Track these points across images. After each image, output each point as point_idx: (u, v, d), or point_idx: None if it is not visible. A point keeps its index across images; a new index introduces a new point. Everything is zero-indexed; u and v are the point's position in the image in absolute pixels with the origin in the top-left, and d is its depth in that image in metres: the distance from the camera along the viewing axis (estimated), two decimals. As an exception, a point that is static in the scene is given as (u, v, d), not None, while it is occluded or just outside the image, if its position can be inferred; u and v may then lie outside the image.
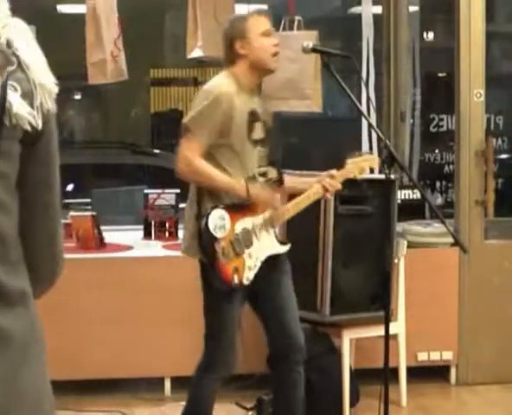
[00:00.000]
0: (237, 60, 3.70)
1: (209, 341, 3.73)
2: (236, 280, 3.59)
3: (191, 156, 3.57)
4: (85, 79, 4.96)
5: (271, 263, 3.70)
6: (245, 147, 3.65)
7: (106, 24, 4.86)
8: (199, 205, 3.64)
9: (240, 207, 3.62)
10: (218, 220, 3.55)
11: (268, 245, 3.71)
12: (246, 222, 3.63)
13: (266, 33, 3.71)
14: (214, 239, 3.54)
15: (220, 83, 3.67)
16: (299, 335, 3.75)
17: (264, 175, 3.74)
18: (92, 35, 4.79)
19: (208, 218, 3.54)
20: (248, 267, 3.63)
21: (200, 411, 3.80)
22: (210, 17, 4.91)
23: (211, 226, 3.53)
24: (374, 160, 3.99)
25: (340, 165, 3.81)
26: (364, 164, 3.87)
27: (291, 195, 3.89)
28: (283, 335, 3.72)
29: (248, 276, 3.63)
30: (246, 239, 3.62)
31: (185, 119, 3.64)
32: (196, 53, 5.01)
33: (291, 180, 3.91)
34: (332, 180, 3.75)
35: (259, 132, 3.70)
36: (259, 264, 3.65)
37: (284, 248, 3.77)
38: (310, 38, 4.70)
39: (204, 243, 3.57)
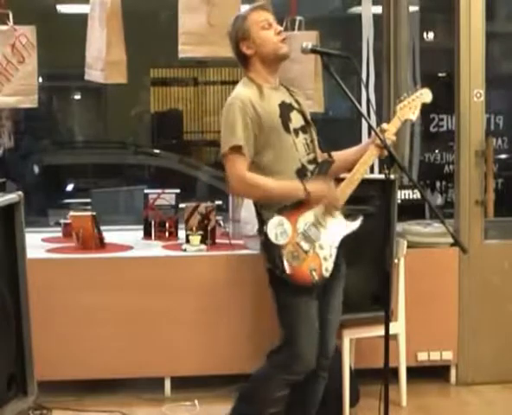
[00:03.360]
0: (248, 60, 3.71)
1: (290, 344, 3.66)
2: (316, 277, 3.57)
3: (240, 172, 3.55)
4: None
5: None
6: (286, 141, 3.61)
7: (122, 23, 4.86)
8: (260, 221, 3.64)
9: (295, 206, 3.57)
10: (277, 227, 3.52)
11: (338, 228, 3.66)
12: (306, 217, 3.59)
13: (266, 25, 3.70)
14: (280, 247, 3.51)
15: (239, 92, 3.66)
16: (332, 343, 3.77)
17: (313, 161, 3.69)
18: (112, 33, 4.77)
19: (266, 230, 3.52)
20: (324, 258, 3.59)
21: (265, 405, 3.72)
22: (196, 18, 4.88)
23: (272, 236, 3.51)
24: (426, 94, 3.83)
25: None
26: (416, 103, 3.79)
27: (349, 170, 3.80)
28: (320, 338, 3.70)
29: (327, 267, 3.59)
30: (312, 234, 3.58)
31: (225, 144, 3.59)
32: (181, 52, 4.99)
33: (342, 154, 3.84)
34: (385, 134, 3.67)
35: (298, 120, 3.68)
36: (334, 251, 3.62)
37: (356, 223, 3.72)
38: (310, 38, 4.71)
39: (272, 255, 3.53)
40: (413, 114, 3.80)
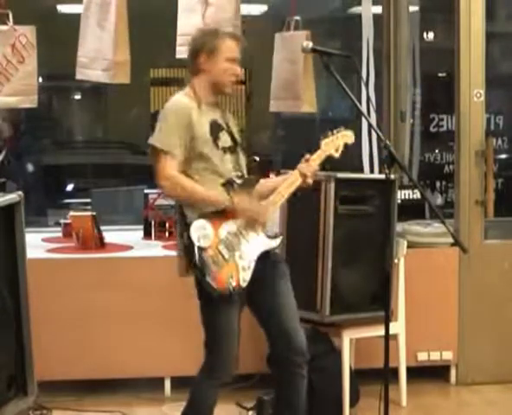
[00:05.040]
0: (198, 73, 3.74)
1: (210, 348, 3.72)
2: (233, 284, 3.58)
3: (170, 171, 3.60)
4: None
5: (266, 264, 3.68)
6: (215, 154, 3.66)
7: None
8: (181, 222, 3.65)
9: (220, 213, 3.60)
10: (200, 230, 3.54)
11: (259, 242, 3.68)
12: (229, 226, 3.61)
13: (232, 59, 3.73)
14: (201, 249, 3.53)
15: (178, 100, 3.71)
16: (299, 337, 3.72)
17: (241, 177, 3.73)
18: (119, 34, 4.78)
19: (189, 231, 3.54)
20: (242, 268, 3.61)
21: (200, 411, 3.79)
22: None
23: (194, 238, 3.53)
24: (349, 136, 3.92)
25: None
26: (339, 141, 3.86)
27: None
28: (281, 337, 3.70)
29: (244, 277, 3.61)
30: (232, 243, 3.60)
31: (151, 140, 3.65)
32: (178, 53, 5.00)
33: (269, 183, 3.89)
34: (308, 164, 3.75)
35: (226, 141, 3.72)
36: (253, 264, 3.63)
37: (277, 241, 3.75)
38: (301, 38, 4.70)
39: (192, 257, 3.56)
40: (336, 152, 3.85)
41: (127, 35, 4.82)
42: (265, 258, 3.68)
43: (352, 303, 4.56)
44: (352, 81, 6.21)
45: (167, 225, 5.51)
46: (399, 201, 5.07)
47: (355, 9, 7.19)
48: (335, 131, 3.88)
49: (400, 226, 5.02)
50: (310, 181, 3.77)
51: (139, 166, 8.58)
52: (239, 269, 3.60)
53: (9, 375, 3.95)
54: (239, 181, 3.70)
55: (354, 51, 5.88)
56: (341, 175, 4.46)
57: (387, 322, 3.50)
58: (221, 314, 3.66)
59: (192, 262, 3.57)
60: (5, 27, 4.79)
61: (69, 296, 4.87)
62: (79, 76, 4.97)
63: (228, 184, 3.66)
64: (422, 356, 5.14)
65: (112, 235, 5.40)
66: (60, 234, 5.58)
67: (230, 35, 3.80)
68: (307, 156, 3.79)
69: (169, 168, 3.60)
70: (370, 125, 3.86)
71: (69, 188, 8.47)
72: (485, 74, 5.15)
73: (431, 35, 8.79)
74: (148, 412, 4.83)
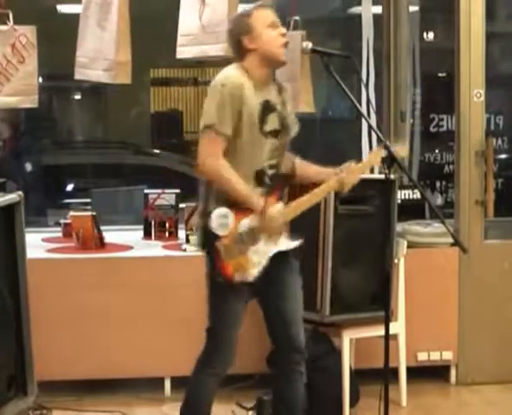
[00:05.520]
0: (246, 55, 3.64)
1: (211, 335, 3.70)
2: (237, 277, 3.57)
3: (215, 156, 3.51)
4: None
5: (278, 260, 3.64)
6: (255, 139, 3.57)
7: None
8: (205, 202, 3.61)
9: (246, 207, 3.55)
10: (221, 218, 3.51)
11: (278, 241, 3.64)
12: (251, 220, 3.57)
13: (272, 25, 3.65)
14: (216, 237, 3.52)
15: (229, 73, 3.61)
16: (299, 336, 3.74)
17: (274, 166, 3.66)
18: (121, 34, 4.78)
19: (211, 216, 3.52)
20: (253, 264, 3.57)
21: (197, 406, 3.77)
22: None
23: (213, 225, 3.51)
24: (399, 151, 3.68)
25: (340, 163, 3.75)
26: (381, 154, 3.66)
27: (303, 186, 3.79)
28: (283, 335, 3.71)
29: (253, 272, 3.58)
30: (251, 237, 3.56)
31: (203, 120, 3.56)
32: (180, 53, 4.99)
33: (306, 169, 3.82)
34: (350, 175, 3.65)
35: (273, 124, 3.63)
36: (265, 261, 3.59)
37: (294, 243, 3.68)
38: (297, 38, 4.70)
39: (207, 241, 3.56)
40: (377, 164, 3.78)
41: (129, 35, 4.82)
42: (279, 255, 3.64)
43: (352, 303, 4.56)
44: (352, 82, 6.21)
45: (167, 225, 5.51)
46: (399, 201, 5.07)
47: (355, 9, 7.20)
48: (383, 145, 3.64)
49: (400, 226, 5.02)
50: (345, 191, 3.67)
51: (139, 166, 8.59)
52: (249, 263, 3.57)
53: (9, 375, 3.95)
54: (270, 173, 3.63)
55: (354, 51, 5.88)
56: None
57: (387, 322, 3.50)
58: (228, 301, 3.62)
59: (206, 245, 3.56)
60: (5, 27, 4.79)
61: (69, 296, 4.87)
62: (78, 76, 4.97)
63: (260, 175, 3.60)
64: (422, 356, 5.14)
65: (111, 235, 5.40)
66: (60, 234, 5.58)
67: (257, 7, 3.70)
68: (352, 166, 3.67)
69: (215, 149, 3.51)
70: (370, 126, 3.85)
71: (69, 188, 8.46)
72: (485, 74, 5.15)
73: (431, 35, 8.79)
74: (148, 412, 4.83)
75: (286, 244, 3.67)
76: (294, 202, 3.66)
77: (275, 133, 3.65)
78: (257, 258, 3.58)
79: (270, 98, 3.65)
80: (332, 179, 3.66)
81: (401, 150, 3.69)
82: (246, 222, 3.56)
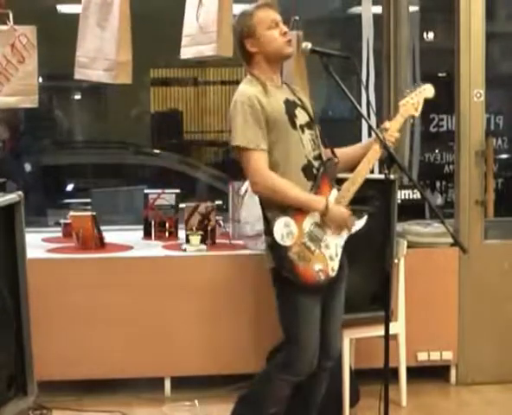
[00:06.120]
0: (252, 58, 3.70)
1: (292, 343, 3.66)
2: (322, 277, 3.56)
3: (263, 171, 3.53)
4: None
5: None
6: (293, 137, 3.60)
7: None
8: (265, 220, 3.62)
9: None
10: (283, 228, 3.51)
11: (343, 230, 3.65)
12: (312, 217, 3.58)
13: (273, 24, 3.68)
14: (286, 248, 3.50)
15: (243, 89, 3.65)
16: (336, 344, 3.79)
17: (318, 157, 3.69)
18: (122, 34, 4.78)
19: (272, 231, 3.51)
20: (330, 258, 3.59)
21: (264, 409, 3.72)
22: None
23: (278, 238, 3.50)
24: (428, 90, 3.79)
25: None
26: (419, 98, 3.76)
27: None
28: (322, 339, 3.70)
29: (333, 266, 3.59)
30: (317, 233, 3.57)
31: (234, 142, 3.58)
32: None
33: (343, 152, 3.84)
34: (388, 133, 3.67)
35: (303, 117, 3.68)
36: (340, 250, 3.62)
37: (361, 222, 3.71)
38: (293, 39, 4.70)
39: (278, 256, 3.53)
40: (416, 110, 3.78)
41: (129, 34, 4.83)
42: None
43: (352, 303, 4.55)
44: (352, 82, 6.21)
45: (167, 225, 5.51)
46: (399, 201, 5.07)
47: (355, 9, 7.19)
48: (412, 88, 3.77)
49: (400, 226, 5.02)
50: (392, 146, 3.66)
51: (139, 166, 8.59)
52: (326, 259, 3.58)
53: (9, 375, 3.95)
54: (317, 165, 3.63)
55: (354, 51, 5.88)
56: (341, 175, 4.46)
57: (387, 322, 3.51)
58: (306, 305, 3.60)
59: (277, 260, 3.54)
60: (5, 27, 4.79)
61: (69, 296, 4.87)
62: (77, 76, 4.97)
63: (307, 169, 3.61)
64: (422, 356, 5.14)
65: (111, 235, 5.40)
66: (60, 234, 5.58)
67: (259, 6, 3.73)
68: (385, 124, 3.70)
69: (261, 165, 3.53)
70: (370, 126, 3.85)
71: (69, 188, 8.46)
72: (485, 74, 5.15)
73: (431, 35, 8.79)
74: (148, 412, 4.83)
75: (355, 225, 3.68)
76: (346, 182, 3.67)
77: (308, 125, 3.69)
78: (332, 251, 3.59)
79: (287, 96, 3.70)
80: (373, 147, 3.66)
81: (429, 90, 3.73)
82: (309, 221, 3.55)
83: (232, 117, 3.62)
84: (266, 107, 3.58)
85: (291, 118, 3.63)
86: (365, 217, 3.71)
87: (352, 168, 3.74)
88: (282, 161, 3.59)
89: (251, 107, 3.56)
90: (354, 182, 3.66)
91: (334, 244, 3.61)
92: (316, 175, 3.64)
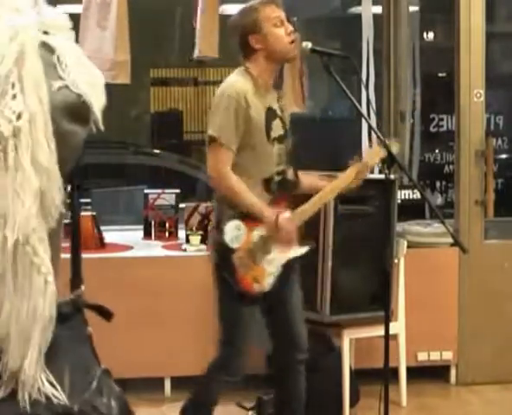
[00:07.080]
0: (253, 54, 3.61)
1: (226, 345, 3.68)
2: (256, 289, 3.56)
3: (224, 169, 3.51)
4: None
5: (286, 263, 3.64)
6: (264, 146, 3.57)
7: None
8: (218, 215, 3.62)
9: (255, 217, 3.55)
10: (234, 230, 3.50)
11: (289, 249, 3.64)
12: (263, 230, 3.55)
13: (279, 22, 3.61)
14: (231, 250, 3.50)
15: (234, 82, 3.58)
16: (304, 335, 3.74)
17: (281, 172, 3.65)
18: (121, 34, 4.78)
19: (224, 230, 3.50)
20: (269, 274, 3.57)
21: (205, 408, 3.76)
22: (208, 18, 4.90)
23: (227, 238, 3.49)
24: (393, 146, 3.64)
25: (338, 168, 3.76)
26: (380, 155, 3.68)
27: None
28: (288, 334, 3.70)
29: (269, 281, 3.57)
30: (264, 247, 3.55)
31: (209, 130, 3.56)
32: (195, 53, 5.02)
33: (307, 178, 3.83)
34: (365, 163, 3.66)
35: (278, 129, 3.63)
36: (280, 269, 3.59)
37: (304, 249, 3.68)
38: None
39: (222, 256, 3.54)
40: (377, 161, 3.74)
41: (127, 34, 4.83)
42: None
43: (352, 303, 4.56)
44: (352, 81, 6.22)
45: (167, 225, 5.51)
46: (399, 201, 5.07)
47: (355, 9, 7.20)
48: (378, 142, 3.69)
49: (400, 226, 5.02)
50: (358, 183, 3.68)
51: (139, 166, 8.58)
52: (265, 274, 3.56)
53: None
54: (277, 179, 3.62)
55: (354, 51, 5.89)
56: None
57: (387, 322, 3.50)
58: (243, 309, 3.60)
59: (221, 260, 3.54)
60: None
61: (69, 296, 4.86)
62: None
63: (267, 183, 3.59)
64: (422, 356, 5.14)
65: (112, 235, 5.40)
66: (60, 234, 5.57)
67: (264, 2, 3.65)
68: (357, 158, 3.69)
69: (222, 163, 3.51)
70: (370, 126, 3.85)
71: (69, 188, 8.46)
72: (485, 74, 5.15)
73: (431, 35, 8.80)
74: (148, 412, 4.83)
75: (296, 251, 3.66)
76: (300, 208, 3.65)
77: (280, 139, 3.65)
78: (272, 268, 3.58)
79: (272, 105, 3.64)
80: (345, 174, 3.64)
81: (393, 146, 3.67)
82: (258, 232, 3.56)
83: (216, 104, 3.57)
84: (252, 107, 3.53)
85: (268, 129, 3.59)
86: (306, 248, 3.68)
87: (310, 193, 3.73)
88: (248, 166, 3.56)
89: (237, 103, 3.50)
90: (306, 211, 3.64)
91: (277, 262, 3.59)
92: (276, 191, 3.62)
